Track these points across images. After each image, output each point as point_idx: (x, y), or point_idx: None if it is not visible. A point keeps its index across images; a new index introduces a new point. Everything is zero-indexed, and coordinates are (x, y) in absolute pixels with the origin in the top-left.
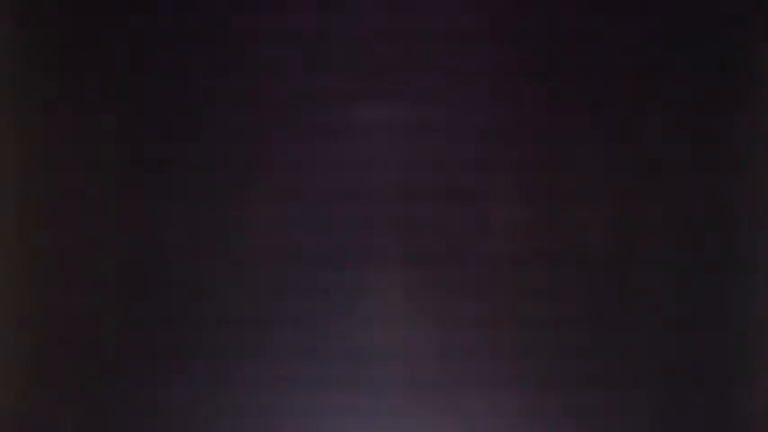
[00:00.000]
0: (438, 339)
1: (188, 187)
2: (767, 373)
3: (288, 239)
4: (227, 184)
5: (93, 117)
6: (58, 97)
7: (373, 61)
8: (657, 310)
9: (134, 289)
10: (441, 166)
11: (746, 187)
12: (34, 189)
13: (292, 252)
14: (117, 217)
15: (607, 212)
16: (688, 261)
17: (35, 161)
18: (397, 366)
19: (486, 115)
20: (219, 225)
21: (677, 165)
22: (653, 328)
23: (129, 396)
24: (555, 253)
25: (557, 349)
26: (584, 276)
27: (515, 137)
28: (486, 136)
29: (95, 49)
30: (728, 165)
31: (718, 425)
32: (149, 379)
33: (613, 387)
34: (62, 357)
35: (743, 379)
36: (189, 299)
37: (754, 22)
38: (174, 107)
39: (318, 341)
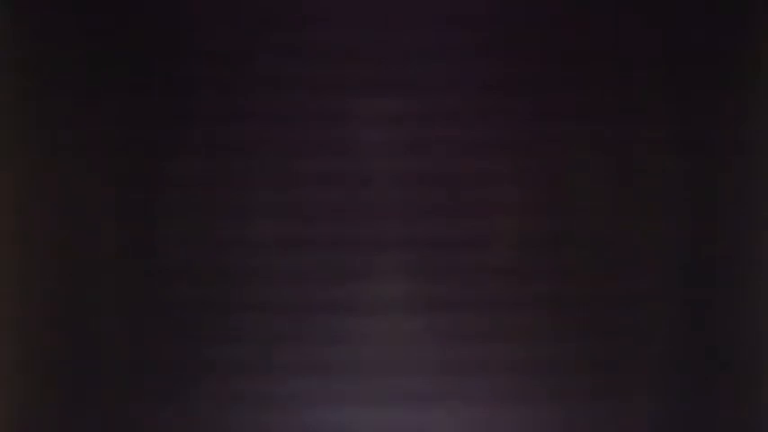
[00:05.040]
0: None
1: (193, 202)
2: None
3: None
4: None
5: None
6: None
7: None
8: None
9: (135, 297)
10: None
11: (747, 184)
12: (35, 194)
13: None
14: (121, 229)
15: (605, 214)
16: (687, 260)
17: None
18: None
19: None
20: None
21: (677, 164)
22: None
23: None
24: (554, 236)
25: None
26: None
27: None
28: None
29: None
30: (729, 162)
31: (714, 410)
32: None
33: (611, 371)
34: (64, 362)
35: (736, 364)
36: (190, 308)
37: (755, 21)
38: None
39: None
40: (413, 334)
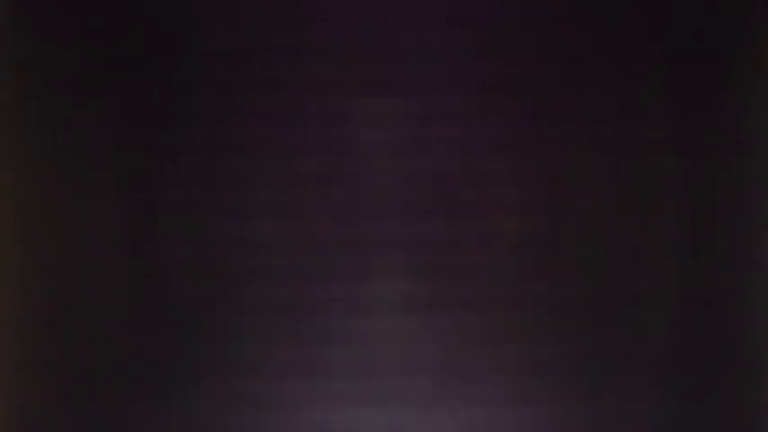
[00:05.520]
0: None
1: (193, 202)
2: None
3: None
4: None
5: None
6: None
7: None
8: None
9: (135, 297)
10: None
11: (747, 184)
12: (35, 194)
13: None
14: (121, 229)
15: (605, 213)
16: (687, 259)
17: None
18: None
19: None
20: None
21: (677, 164)
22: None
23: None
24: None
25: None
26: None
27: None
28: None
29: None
30: (729, 162)
31: (708, 408)
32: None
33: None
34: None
35: (734, 365)
36: (189, 307)
37: (755, 21)
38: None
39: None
40: (413, 334)
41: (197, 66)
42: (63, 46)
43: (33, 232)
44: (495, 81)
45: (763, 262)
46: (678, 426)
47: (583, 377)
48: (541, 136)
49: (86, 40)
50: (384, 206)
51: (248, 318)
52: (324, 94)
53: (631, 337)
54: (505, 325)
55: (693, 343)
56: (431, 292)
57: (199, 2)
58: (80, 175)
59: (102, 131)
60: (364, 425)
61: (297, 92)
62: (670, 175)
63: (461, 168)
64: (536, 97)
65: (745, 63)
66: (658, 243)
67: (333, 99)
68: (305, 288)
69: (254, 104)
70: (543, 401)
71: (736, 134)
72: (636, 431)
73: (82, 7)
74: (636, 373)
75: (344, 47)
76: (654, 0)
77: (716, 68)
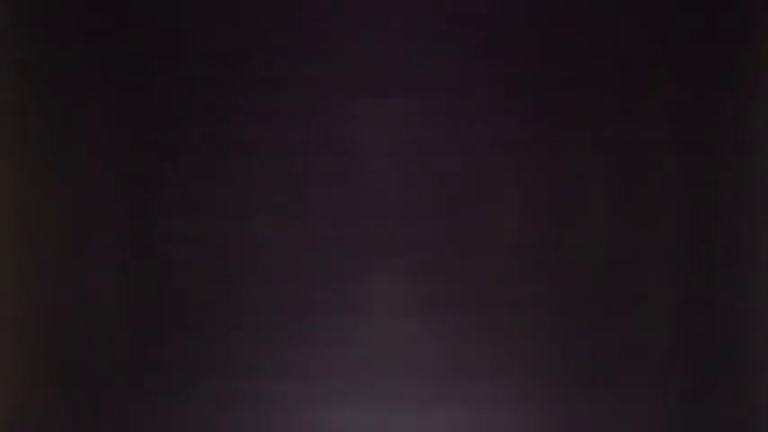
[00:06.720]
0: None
1: (193, 202)
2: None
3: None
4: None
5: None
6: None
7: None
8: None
9: (135, 297)
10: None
11: (747, 184)
12: (35, 194)
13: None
14: (121, 229)
15: (603, 213)
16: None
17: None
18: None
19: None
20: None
21: (677, 164)
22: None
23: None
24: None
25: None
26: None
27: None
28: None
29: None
30: (729, 162)
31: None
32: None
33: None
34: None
35: (734, 363)
36: (190, 305)
37: (755, 21)
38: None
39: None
40: (413, 334)
41: (197, 66)
42: (63, 46)
43: (33, 232)
44: (495, 81)
45: (763, 262)
46: (678, 426)
47: (583, 377)
48: (541, 136)
49: (86, 40)
50: (384, 206)
51: (248, 318)
52: (324, 94)
53: (631, 337)
54: (505, 325)
55: (693, 343)
56: (431, 292)
57: (199, 2)
58: (80, 175)
59: (102, 131)
60: (364, 425)
61: (297, 92)
62: (670, 175)
63: (461, 168)
64: (536, 97)
65: (745, 63)
66: (658, 243)
67: (333, 99)
68: (305, 288)
69: (254, 104)
70: (543, 401)
71: (736, 134)
72: (636, 431)
73: (82, 7)
74: (636, 373)
75: (344, 47)
76: (654, 0)
77: (716, 68)
